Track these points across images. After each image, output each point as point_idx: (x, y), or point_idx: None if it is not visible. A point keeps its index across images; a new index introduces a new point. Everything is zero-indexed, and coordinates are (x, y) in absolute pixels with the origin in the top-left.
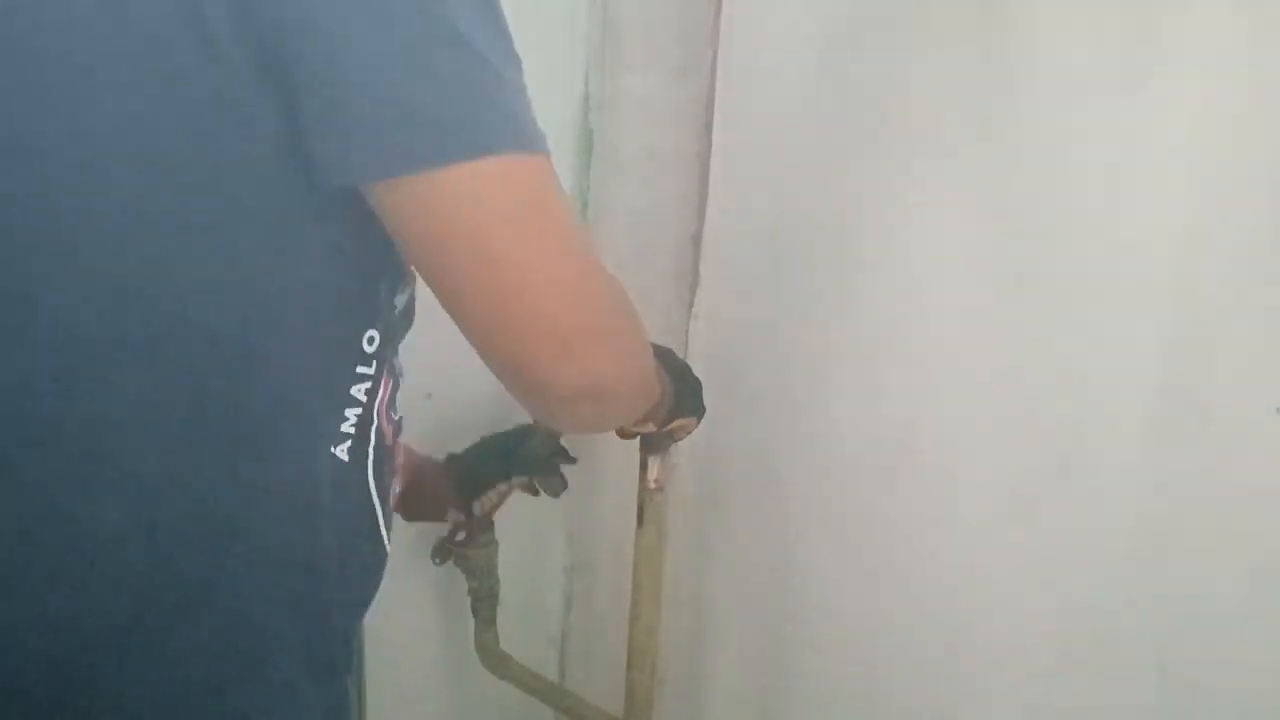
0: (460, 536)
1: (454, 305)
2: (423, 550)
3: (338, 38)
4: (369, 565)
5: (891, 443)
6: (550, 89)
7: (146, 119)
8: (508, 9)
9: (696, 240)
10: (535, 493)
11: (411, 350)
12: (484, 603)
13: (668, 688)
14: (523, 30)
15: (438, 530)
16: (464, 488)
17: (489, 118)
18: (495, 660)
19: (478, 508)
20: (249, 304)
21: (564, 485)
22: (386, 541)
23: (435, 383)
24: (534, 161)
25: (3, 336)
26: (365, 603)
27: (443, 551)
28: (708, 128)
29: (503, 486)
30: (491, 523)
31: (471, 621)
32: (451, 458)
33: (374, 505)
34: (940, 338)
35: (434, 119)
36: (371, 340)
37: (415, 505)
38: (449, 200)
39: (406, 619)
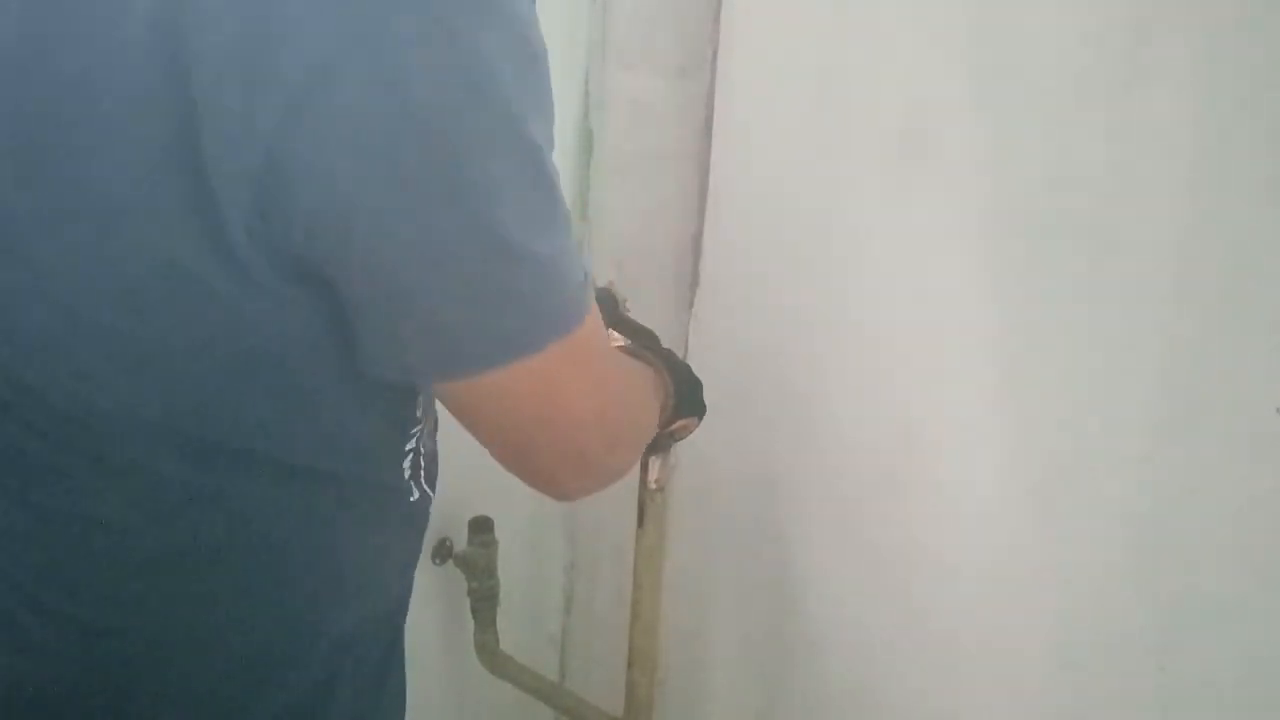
0: None
1: (488, 446)
2: (423, 550)
3: (377, 260)
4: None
5: (891, 442)
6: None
7: (175, 333)
8: None
9: (696, 240)
10: None
11: None
12: (484, 603)
13: (668, 688)
14: None
15: (438, 530)
16: None
17: (530, 322)
18: (495, 660)
19: None
20: (319, 441)
21: None
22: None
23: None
24: (578, 335)
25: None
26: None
27: (443, 551)
28: (708, 128)
29: None
30: (491, 523)
31: (471, 621)
32: None
33: (431, 500)
34: (940, 338)
35: (480, 334)
36: (420, 405)
37: None
38: (491, 397)
39: (407, 619)
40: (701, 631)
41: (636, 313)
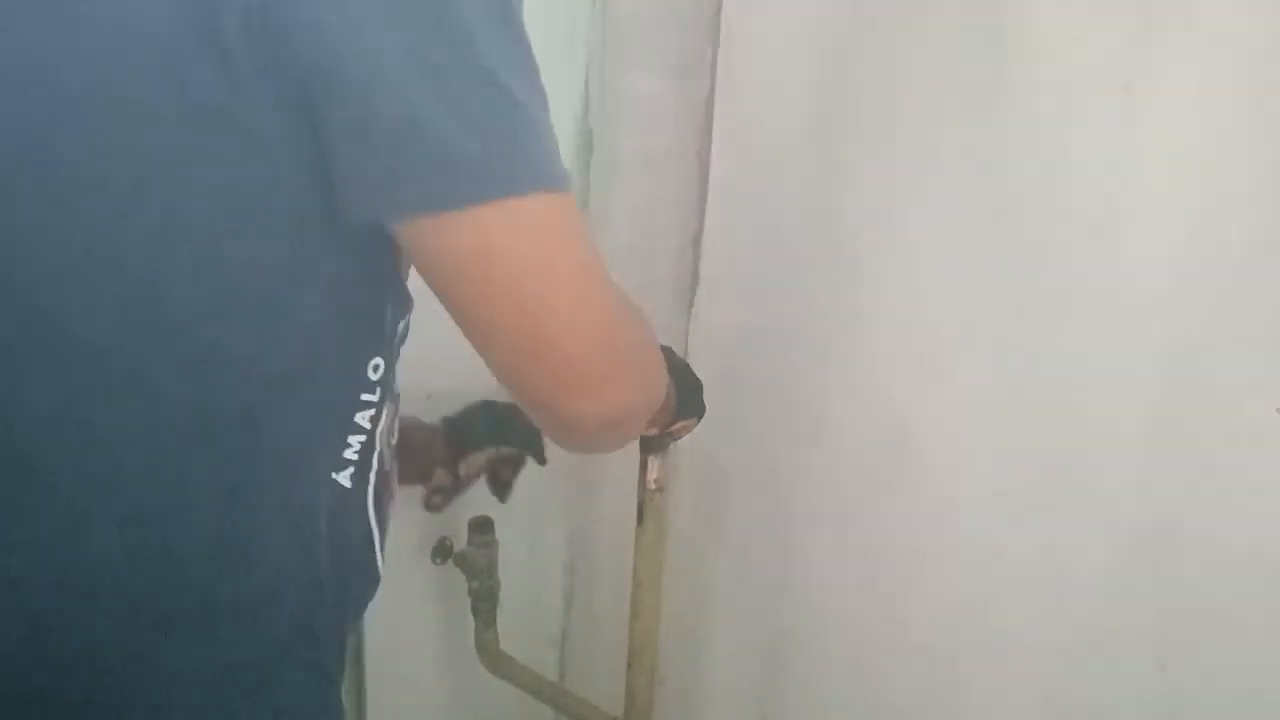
0: (437, 499)
1: (483, 344)
2: (423, 550)
3: (370, 76)
4: (362, 589)
5: (892, 442)
6: (550, 89)
7: (159, 140)
8: None
9: (696, 240)
10: (519, 466)
11: (412, 349)
12: (484, 603)
13: (668, 688)
14: None
15: (438, 530)
16: (453, 448)
17: (517, 159)
18: (495, 660)
19: (463, 469)
20: (260, 326)
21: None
22: (380, 566)
23: (435, 383)
24: (560, 199)
25: (11, 349)
26: (356, 619)
27: (443, 551)
28: (708, 128)
29: (491, 451)
30: (492, 523)
31: (471, 621)
32: (446, 419)
33: (371, 530)
34: (940, 337)
35: (464, 160)
36: (376, 368)
37: (403, 467)
38: (477, 239)
39: (406, 619)
40: (701, 631)
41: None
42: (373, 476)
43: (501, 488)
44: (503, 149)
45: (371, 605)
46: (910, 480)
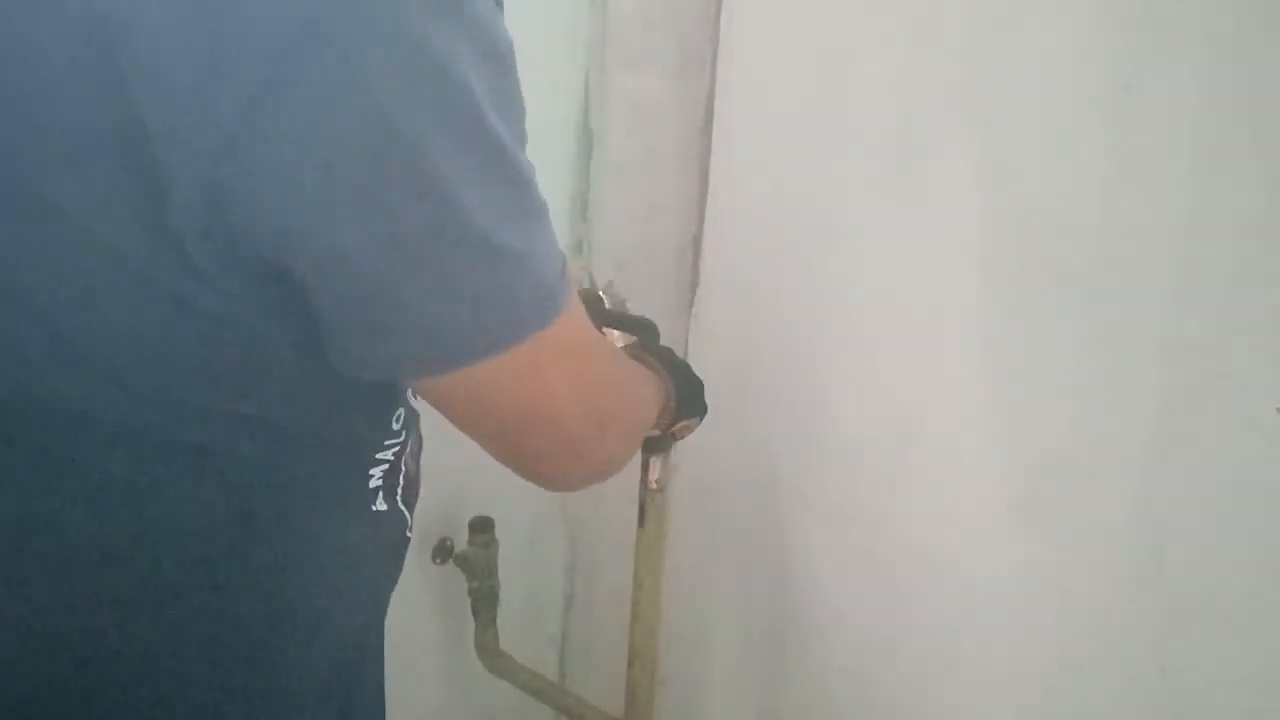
0: None
1: (475, 439)
2: (423, 550)
3: (348, 260)
4: (393, 582)
5: (892, 442)
6: (550, 89)
7: (142, 331)
8: (508, 10)
9: (696, 240)
10: None
11: None
12: (484, 603)
13: (668, 688)
14: (523, 30)
15: (438, 530)
16: None
17: (512, 312)
18: (495, 660)
19: None
20: (267, 433)
21: None
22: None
23: None
24: (558, 325)
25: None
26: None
27: (443, 551)
28: (708, 128)
29: None
30: (492, 523)
31: (471, 621)
32: None
33: (408, 531)
34: (940, 337)
35: (453, 329)
36: (399, 419)
37: None
38: (471, 386)
39: (406, 619)
40: (701, 631)
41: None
42: (400, 485)
43: None
44: (495, 308)
45: None
46: (910, 480)
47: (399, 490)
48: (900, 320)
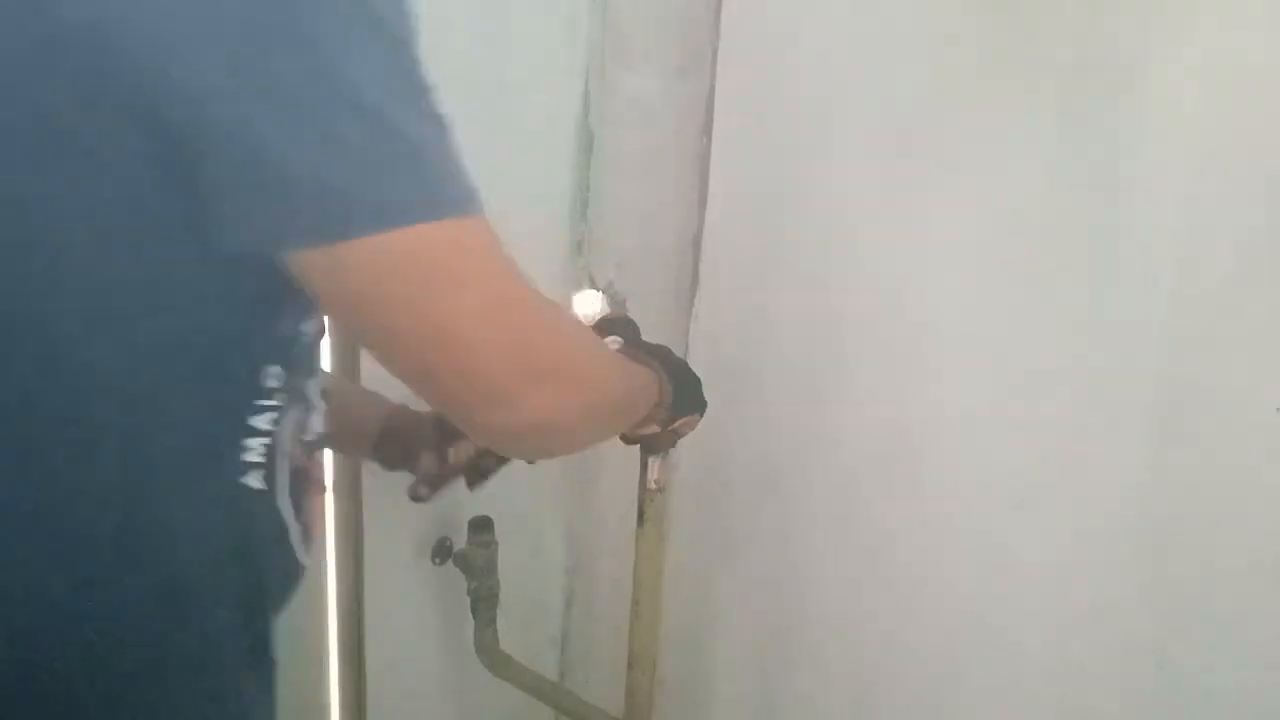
0: (424, 490)
1: (378, 356)
2: (423, 550)
3: (238, 116)
4: (281, 579)
5: (892, 442)
6: (550, 89)
7: (19, 162)
8: (508, 9)
9: (696, 240)
10: (505, 459)
11: None
12: (484, 603)
13: (668, 688)
14: (523, 30)
15: (438, 530)
16: (441, 433)
17: (394, 191)
18: (495, 660)
19: (452, 454)
20: (129, 340)
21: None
22: (301, 556)
23: None
24: (453, 226)
25: None
26: (277, 608)
27: (443, 551)
28: (708, 128)
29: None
30: (492, 522)
31: (471, 621)
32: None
33: (286, 526)
34: (941, 337)
35: (338, 195)
36: (276, 376)
37: (391, 452)
38: (355, 272)
39: (406, 619)
40: (701, 631)
41: (636, 313)
42: (286, 477)
43: (478, 477)
44: (373, 185)
45: (372, 605)
46: (910, 481)
47: (282, 478)
48: (900, 320)
